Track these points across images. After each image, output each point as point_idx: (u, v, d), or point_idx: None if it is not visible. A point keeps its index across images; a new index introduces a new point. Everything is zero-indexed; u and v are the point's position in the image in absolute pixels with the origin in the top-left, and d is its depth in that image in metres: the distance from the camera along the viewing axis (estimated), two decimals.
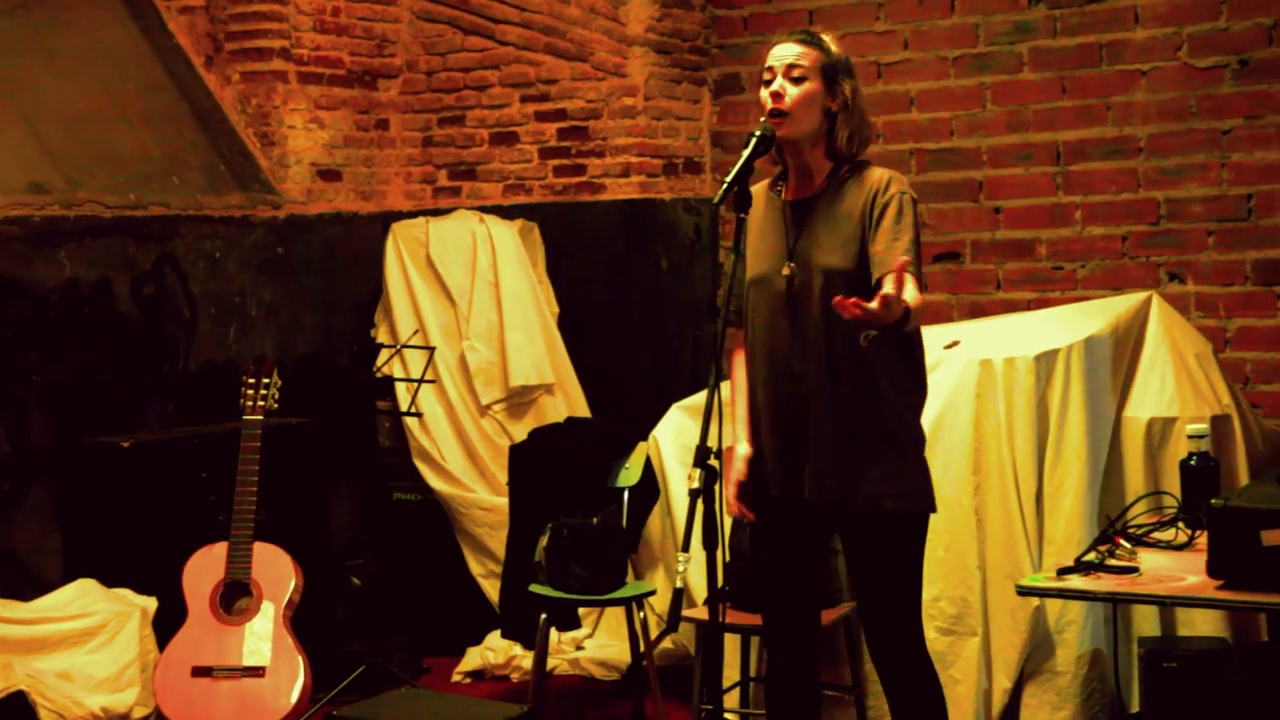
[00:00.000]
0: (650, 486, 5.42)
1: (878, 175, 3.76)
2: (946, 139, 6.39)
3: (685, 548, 3.44)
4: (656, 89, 6.64)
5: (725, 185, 3.59)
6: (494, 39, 6.84)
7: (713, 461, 3.48)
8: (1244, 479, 4.87)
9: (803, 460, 3.75)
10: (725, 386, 5.67)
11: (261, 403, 5.14)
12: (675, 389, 6.09)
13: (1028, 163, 6.25)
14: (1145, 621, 4.83)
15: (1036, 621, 4.74)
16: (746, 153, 3.65)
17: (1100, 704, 4.78)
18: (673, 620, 3.43)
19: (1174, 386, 4.98)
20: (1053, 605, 4.75)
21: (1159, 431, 4.92)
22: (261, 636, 4.93)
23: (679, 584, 3.43)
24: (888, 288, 3.35)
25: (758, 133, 3.69)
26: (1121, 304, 5.19)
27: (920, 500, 3.79)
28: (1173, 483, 4.79)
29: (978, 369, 4.86)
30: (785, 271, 3.76)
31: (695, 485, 3.46)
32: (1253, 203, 5.87)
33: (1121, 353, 5.02)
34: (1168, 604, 3.83)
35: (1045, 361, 4.83)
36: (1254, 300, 5.89)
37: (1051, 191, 6.22)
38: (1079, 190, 6.17)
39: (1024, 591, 3.52)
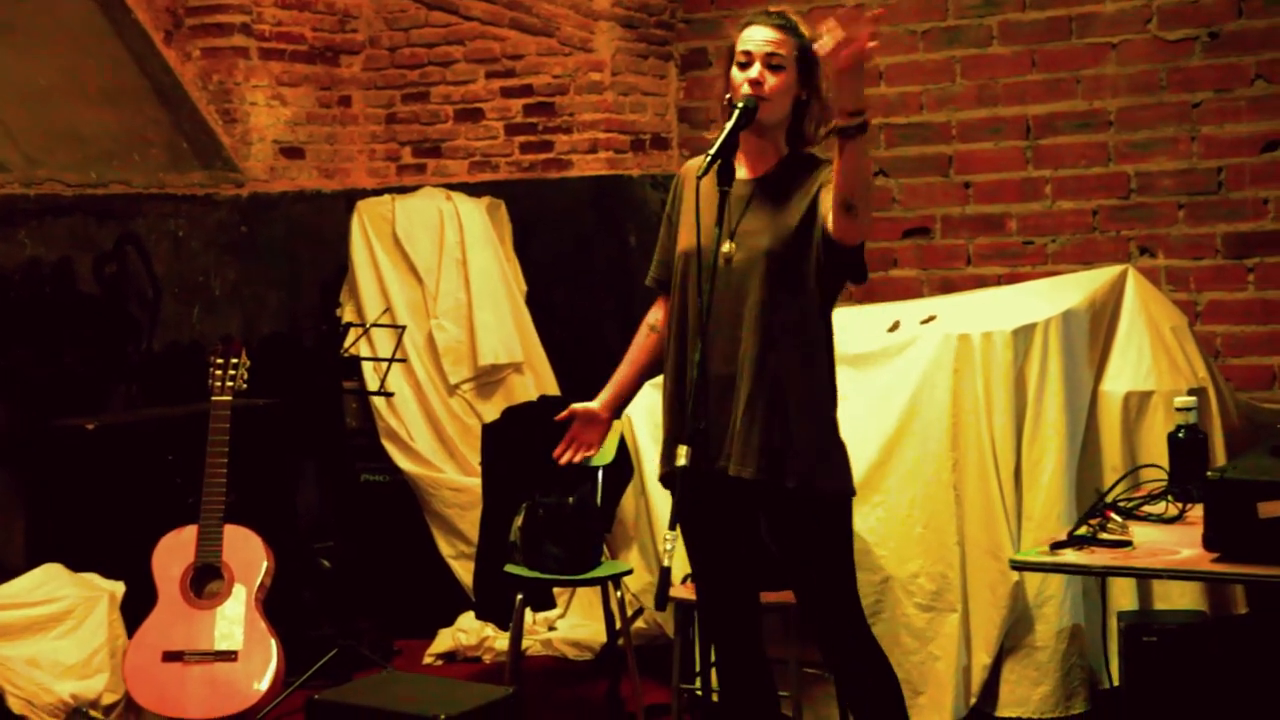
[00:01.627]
0: (624, 465, 5.37)
1: (824, 168, 3.70)
2: (916, 113, 6.36)
3: (673, 526, 3.40)
4: (623, 64, 6.58)
5: (710, 158, 3.55)
6: (458, 14, 6.77)
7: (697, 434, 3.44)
8: (1220, 452, 4.87)
9: (729, 438, 3.69)
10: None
11: (230, 383, 5.06)
12: None
13: (997, 137, 6.24)
14: (1123, 596, 4.81)
15: (1016, 597, 4.72)
16: (730, 125, 3.60)
17: (1080, 678, 4.77)
18: (660, 599, 3.37)
19: (1150, 360, 4.97)
20: (1032, 580, 4.74)
21: (1136, 405, 4.91)
22: (233, 620, 4.86)
23: (666, 562, 3.39)
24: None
25: (740, 104, 3.64)
26: (1097, 278, 5.18)
27: (847, 481, 3.76)
28: (1149, 456, 4.79)
29: (955, 344, 4.84)
30: (725, 249, 3.70)
31: (683, 462, 3.42)
32: (1223, 176, 5.87)
33: (1098, 327, 5.01)
34: (1165, 577, 3.81)
35: (1023, 336, 4.81)
36: (1224, 274, 5.90)
37: (1021, 166, 6.20)
38: (1049, 164, 6.15)
39: (1018, 566, 3.50)
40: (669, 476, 3.81)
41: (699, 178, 3.55)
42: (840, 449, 3.76)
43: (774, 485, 3.67)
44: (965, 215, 6.31)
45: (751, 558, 3.88)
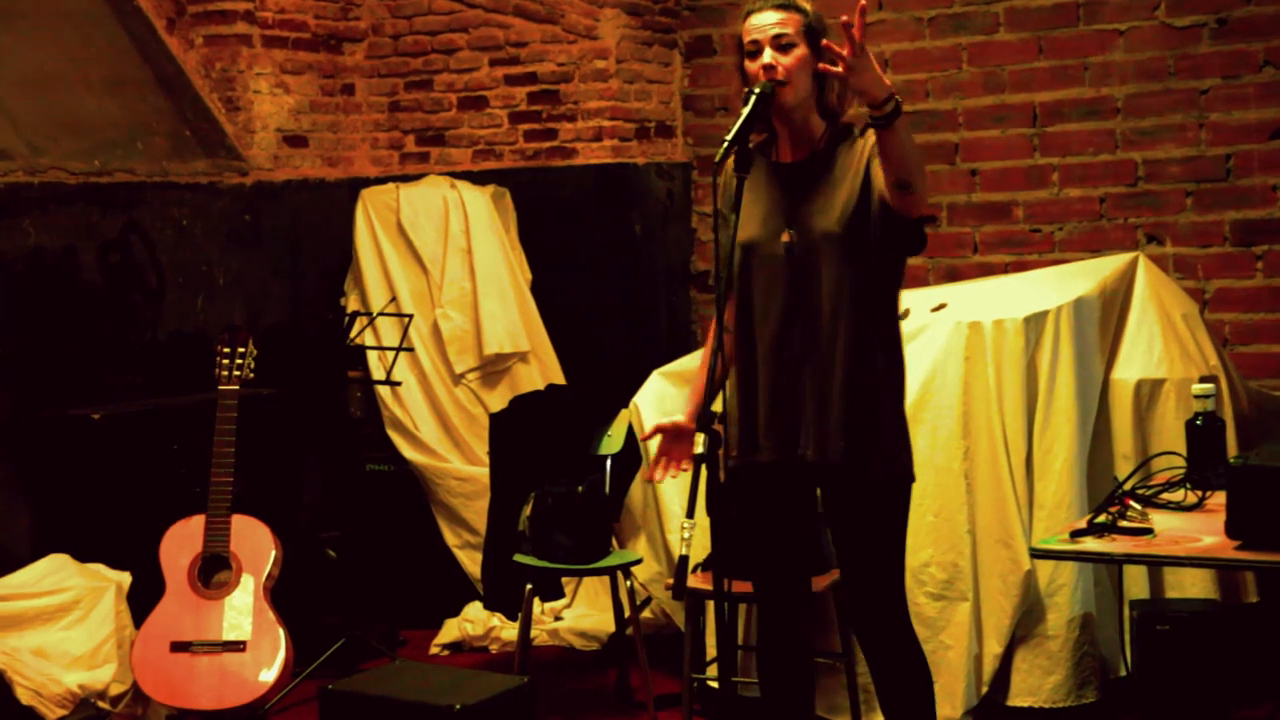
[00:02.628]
0: (632, 454, 5.36)
1: (870, 138, 3.70)
2: (922, 100, 6.33)
3: (690, 514, 3.37)
4: (628, 51, 6.55)
5: (726, 144, 3.51)
6: (462, 1, 6.73)
7: (716, 427, 3.41)
8: (1231, 439, 4.85)
9: (798, 425, 3.69)
10: (702, 353, 5.64)
11: (237, 372, 5.04)
12: (650, 355, 6.02)
13: (1004, 124, 6.21)
14: (1133, 584, 4.80)
15: (1027, 586, 4.71)
16: (747, 110, 3.57)
17: (1091, 667, 4.75)
18: (678, 588, 3.35)
19: (1161, 347, 4.95)
20: (1043, 569, 4.72)
21: (1147, 393, 4.90)
22: (241, 611, 4.84)
23: (684, 551, 3.37)
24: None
25: (757, 90, 3.61)
26: (1108, 265, 5.16)
27: (909, 466, 3.76)
28: (1161, 444, 4.78)
29: (966, 331, 4.82)
30: (785, 238, 3.69)
31: (700, 450, 3.39)
32: (1231, 163, 5.85)
33: (1109, 314, 4.99)
34: (1189, 565, 3.81)
35: (1034, 323, 4.80)
36: (1232, 261, 5.88)
37: (1028, 153, 6.18)
38: (1056, 152, 6.13)
39: (1038, 554, 3.48)
40: (745, 468, 3.78)
41: (715, 163, 3.51)
42: (903, 433, 3.75)
43: (851, 470, 3.67)
44: (971, 203, 6.29)
45: (809, 545, 3.88)
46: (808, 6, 3.73)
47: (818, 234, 3.67)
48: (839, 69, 3.38)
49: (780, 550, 3.85)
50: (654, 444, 5.19)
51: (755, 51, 3.67)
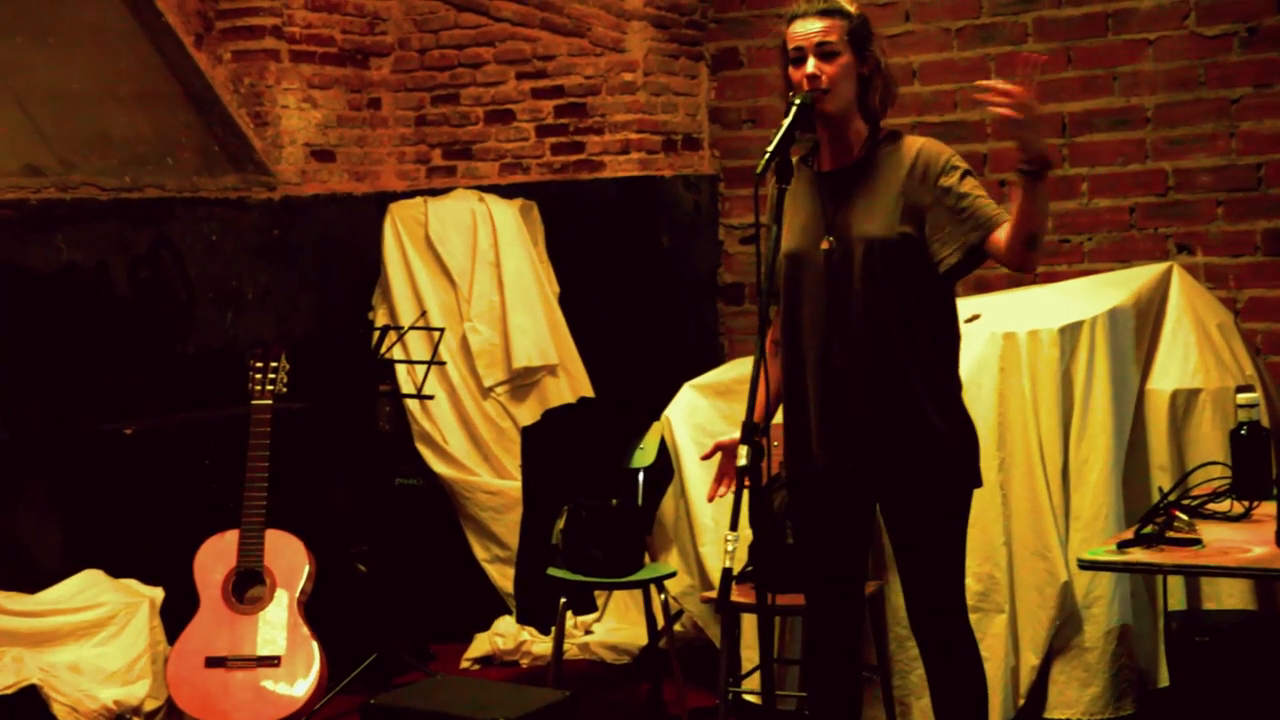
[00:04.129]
0: (664, 467, 5.34)
1: (915, 145, 3.71)
2: (950, 112, 6.32)
3: (734, 526, 3.36)
4: (655, 64, 6.55)
5: (768, 155, 3.51)
6: (488, 15, 6.73)
7: (759, 439, 3.40)
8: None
9: (846, 434, 3.68)
10: (733, 366, 5.63)
11: (270, 386, 5.04)
12: (678, 368, 6.01)
13: None
14: (1170, 596, 4.78)
15: (1064, 597, 4.68)
16: (787, 121, 3.57)
17: (1129, 679, 4.73)
18: (722, 601, 3.34)
19: (1197, 357, 4.93)
20: (1080, 581, 4.70)
21: (1183, 403, 4.87)
22: (276, 626, 4.84)
23: (727, 563, 3.36)
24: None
25: (798, 101, 3.62)
26: (1142, 275, 5.14)
27: (967, 470, 3.73)
28: (1197, 454, 4.77)
29: (1001, 342, 4.81)
30: (825, 246, 3.69)
31: (743, 462, 3.38)
32: (1262, 172, 5.83)
33: (1144, 324, 4.97)
34: (1239, 576, 3.77)
35: (1069, 334, 4.78)
36: (1264, 270, 5.84)
37: (1057, 164, 6.15)
38: (1085, 162, 6.11)
39: (1086, 565, 3.46)
40: (800, 477, 3.79)
41: (758, 175, 3.50)
42: (957, 438, 3.71)
43: (901, 477, 3.66)
44: None
45: (864, 559, 3.86)
46: (851, 9, 3.72)
47: (857, 240, 3.66)
48: (1002, 111, 3.36)
49: (835, 561, 3.83)
50: (687, 454, 5.25)
51: (800, 59, 3.66)
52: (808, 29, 3.67)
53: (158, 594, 5.12)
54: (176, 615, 4.99)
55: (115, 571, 5.21)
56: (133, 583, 5.15)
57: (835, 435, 3.71)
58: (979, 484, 3.77)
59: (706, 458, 3.90)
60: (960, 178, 3.66)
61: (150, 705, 4.92)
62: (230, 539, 4.92)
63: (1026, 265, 3.60)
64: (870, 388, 3.66)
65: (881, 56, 3.74)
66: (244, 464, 4.98)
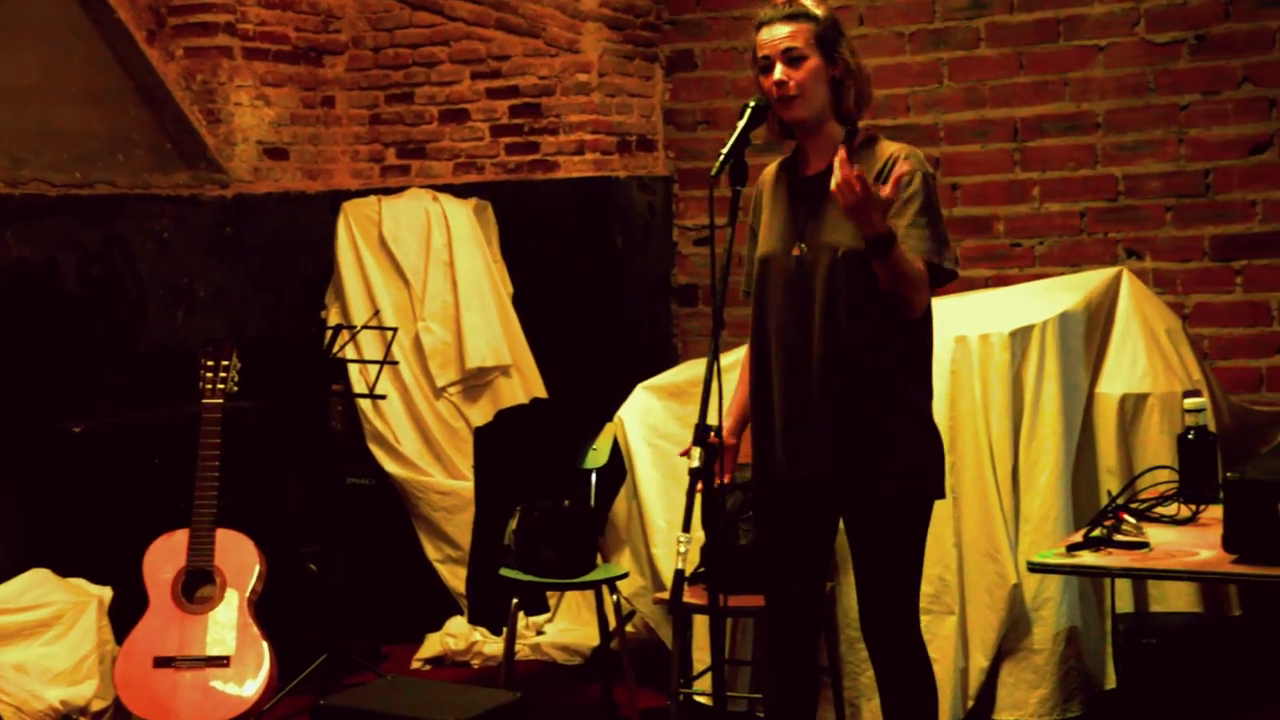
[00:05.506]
0: (617, 468, 5.35)
1: (887, 151, 3.69)
2: (903, 115, 6.35)
3: (686, 528, 3.37)
4: (610, 65, 6.55)
5: (722, 158, 3.51)
6: (443, 14, 6.72)
7: (713, 439, 3.41)
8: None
9: (807, 443, 3.69)
10: (686, 367, 5.63)
11: (221, 385, 5.01)
12: (632, 369, 6.01)
13: (985, 139, 6.24)
14: (1119, 598, 4.82)
15: (1014, 600, 4.71)
16: (741, 124, 3.58)
17: (1077, 681, 4.76)
18: (675, 602, 3.35)
19: (1145, 362, 4.97)
20: (1029, 583, 4.73)
21: (1131, 407, 4.91)
22: (225, 625, 4.81)
23: (679, 564, 3.37)
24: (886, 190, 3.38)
25: (751, 103, 3.63)
26: (1093, 279, 5.18)
27: (928, 482, 3.73)
28: (1145, 458, 4.80)
29: (952, 345, 4.83)
30: (795, 252, 3.69)
31: (695, 464, 3.39)
32: (1210, 179, 5.89)
33: (1094, 328, 5.00)
34: (1185, 579, 3.80)
35: (1020, 337, 4.81)
36: (1212, 276, 5.91)
37: (1009, 168, 6.20)
38: (1036, 167, 6.16)
39: (1035, 568, 3.48)
40: (765, 483, 3.81)
41: (713, 176, 3.50)
42: (918, 449, 3.71)
43: (859, 486, 3.67)
44: (952, 217, 6.28)
45: (825, 563, 3.88)
46: (818, 12, 3.69)
47: (825, 248, 3.66)
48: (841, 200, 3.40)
49: (797, 563, 3.84)
50: (640, 455, 5.26)
51: (767, 67, 3.66)
52: (773, 35, 3.67)
53: (106, 593, 5.08)
54: (126, 615, 4.95)
55: (64, 571, 5.17)
56: (81, 582, 5.11)
57: (797, 443, 3.71)
58: (941, 495, 3.78)
59: (685, 454, 3.90)
60: (905, 203, 3.61)
61: (97, 705, 4.88)
62: (180, 538, 4.89)
63: (907, 314, 3.62)
64: (829, 397, 3.66)
65: (852, 58, 3.70)
66: (195, 463, 4.95)
